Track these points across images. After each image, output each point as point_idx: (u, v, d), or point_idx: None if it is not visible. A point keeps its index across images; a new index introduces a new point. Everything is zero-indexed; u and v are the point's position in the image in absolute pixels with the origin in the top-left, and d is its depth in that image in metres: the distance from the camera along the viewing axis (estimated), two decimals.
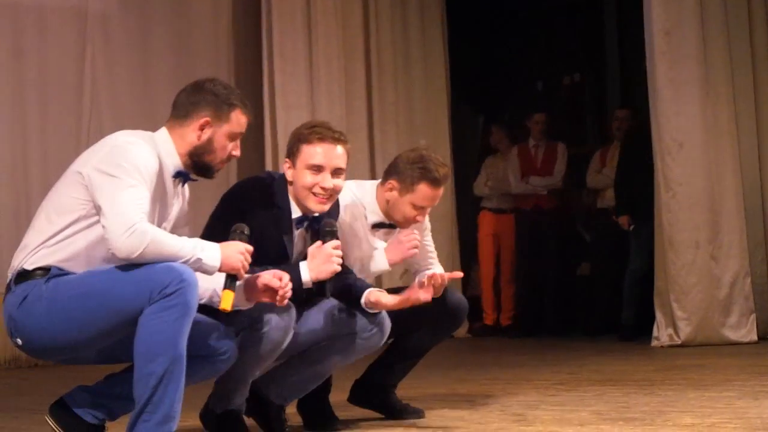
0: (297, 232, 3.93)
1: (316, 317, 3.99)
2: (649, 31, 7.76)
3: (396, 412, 4.46)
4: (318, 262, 3.75)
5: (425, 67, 9.73)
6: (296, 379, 4.03)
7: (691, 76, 7.69)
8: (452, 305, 4.44)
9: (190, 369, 3.30)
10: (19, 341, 3.37)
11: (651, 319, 7.86)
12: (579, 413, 4.39)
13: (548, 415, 4.38)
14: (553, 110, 10.37)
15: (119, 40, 8.75)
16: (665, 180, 7.69)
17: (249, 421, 3.99)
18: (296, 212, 3.91)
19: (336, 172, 3.86)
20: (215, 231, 3.66)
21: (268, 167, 8.32)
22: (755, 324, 7.67)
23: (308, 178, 3.85)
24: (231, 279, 3.39)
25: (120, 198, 3.23)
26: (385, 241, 4.40)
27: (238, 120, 3.56)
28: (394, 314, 4.14)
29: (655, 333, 7.73)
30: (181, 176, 3.53)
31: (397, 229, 4.42)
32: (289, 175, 3.90)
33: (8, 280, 3.40)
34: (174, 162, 3.50)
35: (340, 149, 3.88)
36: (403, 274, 4.55)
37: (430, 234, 4.61)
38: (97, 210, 3.29)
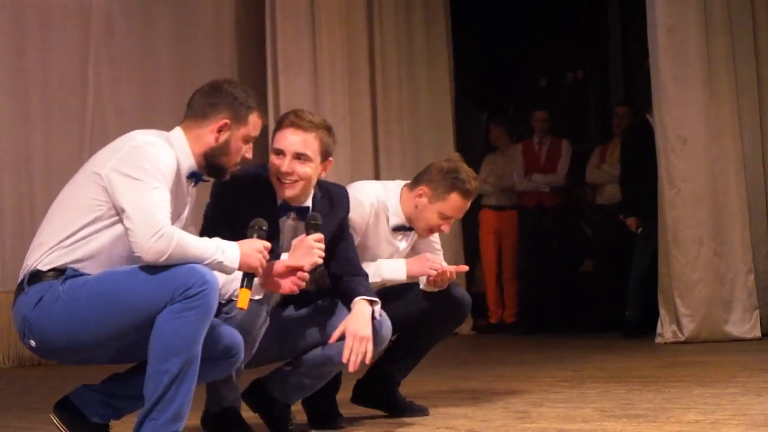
0: (286, 223, 3.91)
1: (316, 319, 3.98)
2: (652, 27, 7.76)
3: (400, 409, 4.47)
4: (299, 254, 3.72)
5: (429, 66, 9.73)
6: (300, 379, 4.02)
7: (694, 72, 7.68)
8: (456, 301, 4.45)
9: (202, 369, 3.31)
10: (33, 343, 3.35)
11: (655, 315, 7.86)
12: (583, 410, 4.39)
13: (552, 412, 4.38)
14: (557, 107, 10.37)
15: (122, 38, 8.76)
16: (669, 177, 7.69)
17: (254, 418, 3.99)
18: (280, 201, 3.91)
19: (298, 157, 3.83)
20: (209, 225, 3.71)
21: None
22: (759, 320, 7.67)
23: (273, 162, 3.85)
24: (248, 277, 3.40)
25: (144, 201, 3.23)
26: (404, 241, 4.42)
27: (255, 123, 3.56)
28: (398, 311, 4.14)
29: (658, 330, 7.73)
30: (194, 177, 3.53)
31: (413, 233, 4.44)
32: (269, 161, 3.91)
33: (21, 280, 3.38)
34: (189, 163, 3.49)
35: (302, 135, 3.82)
36: None
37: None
38: (120, 212, 3.28)
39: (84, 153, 8.36)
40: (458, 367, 6.45)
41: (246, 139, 3.54)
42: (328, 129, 3.93)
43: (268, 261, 3.47)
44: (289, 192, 3.86)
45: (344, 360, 3.78)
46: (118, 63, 8.73)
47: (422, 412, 4.46)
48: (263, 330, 3.71)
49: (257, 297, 3.61)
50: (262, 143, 4.36)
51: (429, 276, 4.34)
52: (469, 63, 10.67)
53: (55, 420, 3.49)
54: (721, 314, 7.63)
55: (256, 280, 3.47)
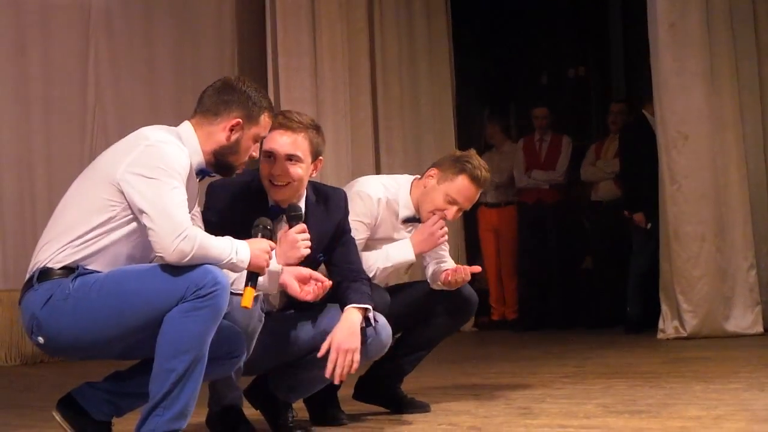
0: (279, 225, 3.90)
1: (317, 322, 3.97)
2: (653, 23, 7.75)
3: (402, 406, 4.47)
4: (284, 248, 3.72)
5: (430, 62, 9.72)
6: (301, 379, 4.02)
7: (696, 68, 7.68)
8: (462, 299, 4.45)
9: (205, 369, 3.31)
10: (41, 340, 3.35)
11: (656, 311, 7.86)
12: (585, 406, 4.39)
13: (554, 409, 4.38)
14: (558, 103, 10.37)
15: (122, 35, 8.76)
16: (670, 172, 7.69)
17: (256, 415, 3.99)
18: (271, 202, 3.90)
19: (288, 159, 3.81)
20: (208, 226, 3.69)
21: None
22: (761, 316, 7.66)
23: (263, 165, 3.84)
24: (254, 276, 3.40)
25: (165, 202, 3.23)
26: (410, 233, 4.43)
27: (266, 123, 3.56)
28: (404, 307, 4.13)
29: (660, 325, 7.74)
30: (201, 173, 3.53)
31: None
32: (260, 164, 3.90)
33: (29, 277, 3.38)
34: (198, 160, 3.48)
35: (291, 137, 3.82)
36: (409, 268, 4.54)
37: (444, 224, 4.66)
38: (138, 213, 3.27)
39: (85, 150, 8.38)
40: (460, 364, 6.45)
41: (256, 139, 3.54)
42: (317, 128, 3.92)
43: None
44: (282, 194, 3.85)
45: (327, 375, 3.75)
46: (119, 60, 8.73)
47: (424, 408, 4.46)
48: (259, 328, 3.70)
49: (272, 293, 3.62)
50: None
51: (440, 241, 4.31)
52: (470, 59, 10.66)
53: (58, 417, 3.49)
54: (723, 310, 7.62)
55: (262, 279, 3.48)
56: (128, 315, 3.24)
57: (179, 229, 3.20)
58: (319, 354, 3.76)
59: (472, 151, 4.51)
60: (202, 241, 3.23)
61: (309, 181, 3.95)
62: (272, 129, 3.77)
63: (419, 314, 4.40)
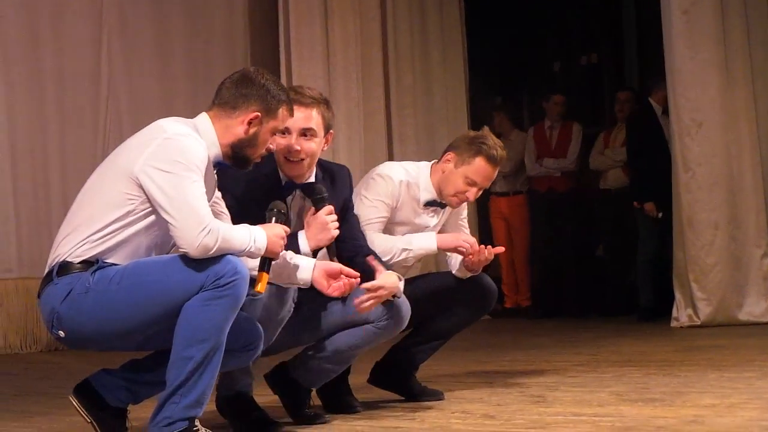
0: (291, 201, 3.92)
1: (333, 304, 3.98)
2: (667, 10, 7.72)
3: (415, 393, 4.48)
4: (314, 231, 3.78)
5: (443, 50, 9.71)
6: (321, 364, 4.03)
7: (710, 55, 7.65)
8: (482, 290, 4.47)
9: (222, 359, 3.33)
10: (62, 333, 3.36)
11: (670, 300, 7.85)
12: (598, 394, 4.39)
13: (568, 397, 4.38)
14: (570, 91, 10.35)
15: (135, 26, 8.77)
16: (684, 160, 7.67)
17: (268, 401, 4.00)
18: (283, 179, 3.92)
19: (303, 133, 3.84)
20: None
21: None
22: None
23: (279, 141, 3.82)
24: (268, 262, 3.42)
25: (186, 197, 3.24)
26: (435, 217, 4.47)
27: (284, 116, 3.56)
28: (424, 294, 4.15)
29: (674, 314, 7.73)
30: (218, 165, 3.53)
31: (446, 209, 4.47)
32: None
33: (48, 270, 3.39)
34: (215, 152, 3.48)
35: (304, 111, 3.83)
36: (421, 258, 4.56)
37: (465, 214, 4.70)
38: (158, 207, 3.28)
39: (98, 142, 8.40)
40: (473, 352, 6.45)
41: (273, 132, 3.55)
42: (327, 102, 3.95)
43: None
44: (297, 169, 3.88)
45: (354, 304, 3.81)
46: (131, 52, 8.74)
47: (437, 396, 4.47)
48: (287, 317, 3.72)
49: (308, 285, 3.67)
50: None
51: (463, 252, 4.34)
52: (482, 48, 10.64)
53: (75, 403, 3.51)
54: (737, 298, 7.61)
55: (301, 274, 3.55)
56: (149, 306, 3.26)
57: (203, 224, 3.21)
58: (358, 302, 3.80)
59: (486, 130, 4.60)
60: (224, 234, 3.24)
61: None
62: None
63: (438, 304, 4.41)
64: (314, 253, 3.82)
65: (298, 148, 3.84)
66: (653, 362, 5.56)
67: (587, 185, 9.69)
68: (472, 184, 4.39)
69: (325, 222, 3.78)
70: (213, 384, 3.29)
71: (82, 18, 8.51)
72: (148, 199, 3.30)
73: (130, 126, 7.70)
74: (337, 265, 3.74)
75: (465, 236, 4.45)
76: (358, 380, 4.46)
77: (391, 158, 8.97)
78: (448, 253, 4.55)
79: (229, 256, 3.25)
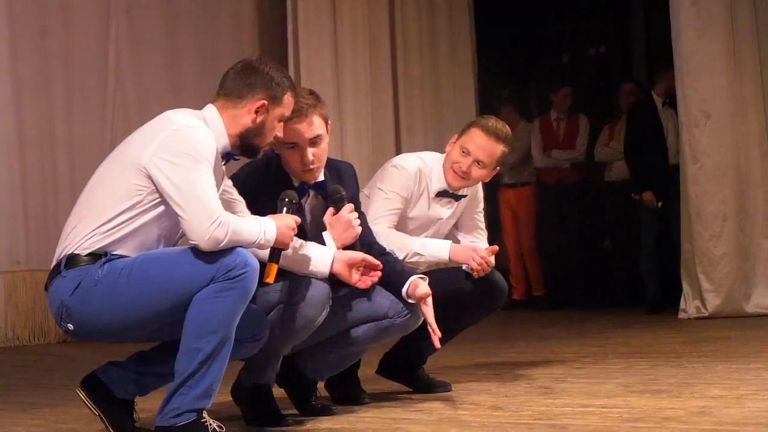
0: (305, 202, 3.92)
1: (351, 299, 3.98)
2: (675, 1, 7.70)
3: (423, 385, 4.48)
4: (339, 230, 3.81)
5: (451, 41, 9.69)
6: (332, 357, 4.04)
7: (718, 46, 7.64)
8: (492, 286, 4.46)
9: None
10: (71, 327, 3.37)
11: (678, 291, 7.84)
12: (606, 386, 4.39)
13: (575, 388, 4.38)
14: (578, 82, 10.34)
15: (143, 16, 8.76)
16: (692, 151, 7.66)
17: (277, 393, 4.00)
18: (297, 182, 3.91)
19: (313, 142, 3.82)
20: None
21: None
22: None
23: (289, 154, 3.83)
24: (278, 253, 3.43)
25: (196, 189, 3.24)
26: (447, 209, 4.47)
27: (289, 103, 3.57)
28: (434, 292, 4.15)
29: (682, 305, 7.72)
30: (227, 156, 3.53)
31: (460, 201, 4.47)
32: (280, 150, 3.90)
33: (56, 263, 3.39)
34: (223, 143, 3.48)
35: (305, 124, 3.79)
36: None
37: (482, 207, 4.70)
38: (168, 199, 3.28)
39: (106, 132, 8.40)
40: (481, 343, 6.45)
41: (281, 119, 3.55)
42: (318, 98, 3.90)
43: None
44: (314, 175, 3.89)
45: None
46: (139, 41, 8.73)
47: (445, 388, 4.48)
48: (322, 320, 3.74)
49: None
50: None
51: (471, 267, 4.35)
52: (490, 39, 10.62)
53: (82, 395, 3.52)
54: (745, 290, 7.60)
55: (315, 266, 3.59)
56: (158, 299, 3.26)
57: (213, 216, 3.22)
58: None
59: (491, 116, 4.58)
60: (234, 226, 3.25)
61: None
62: (287, 121, 3.75)
63: (449, 300, 4.39)
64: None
65: (312, 158, 3.83)
66: (661, 354, 5.55)
67: (594, 177, 9.68)
68: (467, 153, 4.38)
69: (349, 220, 3.81)
70: (222, 375, 3.29)
71: (90, 8, 8.50)
72: (157, 190, 3.31)
73: (138, 117, 7.70)
74: (359, 254, 3.76)
75: (479, 252, 4.39)
76: (367, 372, 4.47)
77: (398, 150, 8.96)
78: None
79: (239, 248, 3.25)
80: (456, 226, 4.66)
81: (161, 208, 3.33)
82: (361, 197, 4.28)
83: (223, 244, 3.22)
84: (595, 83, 11.07)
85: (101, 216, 3.35)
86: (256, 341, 3.51)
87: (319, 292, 3.68)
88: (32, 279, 7.85)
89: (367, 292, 3.93)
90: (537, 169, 9.71)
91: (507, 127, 4.50)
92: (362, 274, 3.78)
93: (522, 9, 10.99)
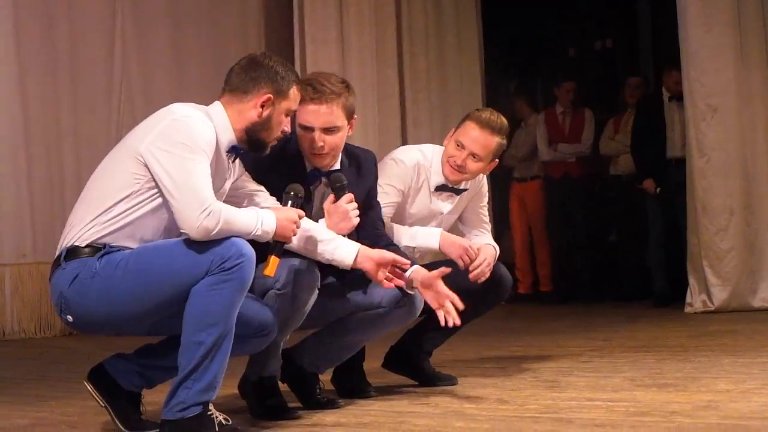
0: (317, 190, 3.92)
1: (345, 288, 3.98)
2: None
3: (429, 378, 4.48)
4: (335, 220, 3.78)
5: (458, 34, 9.68)
6: (329, 349, 4.04)
7: (725, 40, 7.62)
8: (497, 280, 4.44)
9: (235, 346, 3.33)
10: (70, 318, 3.38)
11: (684, 285, 7.84)
12: (612, 380, 4.39)
13: (581, 382, 4.38)
14: (584, 76, 10.33)
15: (148, 10, 8.76)
16: (699, 145, 7.65)
17: (284, 388, 4.01)
18: (308, 167, 3.91)
19: (327, 131, 3.83)
20: None
21: None
22: None
23: (303, 136, 3.85)
24: (279, 246, 3.42)
25: (188, 178, 3.24)
26: (448, 203, 4.46)
27: (295, 97, 3.57)
28: None
29: (688, 299, 7.72)
30: (234, 151, 3.52)
31: (462, 195, 4.45)
32: (297, 133, 3.90)
33: (57, 255, 3.40)
34: (229, 137, 3.48)
35: (327, 108, 3.82)
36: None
37: (486, 202, 4.67)
38: (162, 188, 3.28)
39: (112, 125, 8.41)
40: (486, 337, 6.45)
41: (287, 113, 3.54)
42: (348, 88, 3.92)
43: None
44: (323, 161, 3.88)
45: (442, 323, 3.86)
46: (145, 35, 8.73)
47: (450, 381, 4.48)
48: (312, 302, 3.72)
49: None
50: None
51: (461, 264, 4.32)
52: (496, 32, 10.61)
53: (89, 388, 3.53)
54: (751, 284, 7.60)
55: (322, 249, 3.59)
56: (154, 291, 3.26)
57: (203, 205, 3.20)
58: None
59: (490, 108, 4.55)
60: (226, 216, 3.24)
61: None
62: (305, 101, 3.78)
63: (455, 291, 4.38)
64: None
65: (322, 144, 3.83)
66: (667, 347, 5.55)
67: (600, 171, 9.67)
68: (461, 146, 4.36)
69: (346, 211, 3.78)
70: (225, 367, 3.28)
71: (96, 1, 8.51)
72: (154, 179, 3.30)
73: (143, 111, 7.69)
74: (390, 255, 3.74)
75: (468, 251, 4.34)
76: (372, 365, 4.46)
77: (405, 142, 8.95)
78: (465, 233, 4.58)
79: (234, 238, 3.24)
80: (461, 220, 4.65)
81: (161, 199, 3.33)
82: None
83: (214, 233, 3.21)
84: (601, 77, 11.06)
85: (100, 206, 3.36)
86: (262, 336, 3.49)
87: (306, 275, 3.65)
88: (38, 272, 7.86)
89: (362, 283, 3.93)
90: (543, 162, 9.70)
91: (502, 118, 4.46)
92: (391, 274, 3.76)
93: (529, 2, 10.99)
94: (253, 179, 3.70)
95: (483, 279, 4.34)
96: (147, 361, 3.54)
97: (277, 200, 3.64)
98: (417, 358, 4.50)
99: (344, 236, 3.79)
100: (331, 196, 3.83)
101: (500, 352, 5.72)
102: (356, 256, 3.70)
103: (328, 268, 3.82)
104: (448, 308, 3.85)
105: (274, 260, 3.42)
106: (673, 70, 8.27)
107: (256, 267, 3.32)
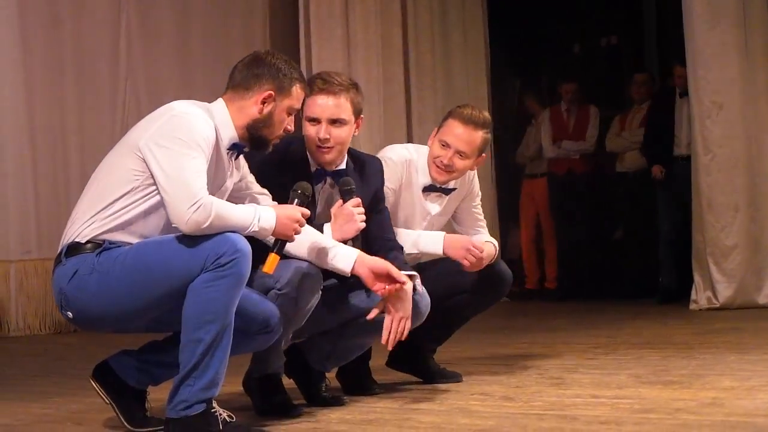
0: (321, 190, 3.92)
1: (353, 292, 3.97)
2: None
3: (433, 375, 4.48)
4: (341, 222, 3.77)
5: (464, 31, 9.68)
6: (336, 348, 4.03)
7: (730, 38, 7.62)
8: (497, 276, 4.43)
9: (240, 343, 3.34)
10: (70, 314, 3.38)
11: (689, 282, 7.83)
12: (617, 377, 4.39)
13: (586, 379, 4.38)
14: (590, 73, 10.32)
15: (154, 6, 8.77)
16: (704, 142, 7.65)
17: (289, 384, 4.01)
18: (313, 166, 3.90)
19: (333, 123, 3.83)
20: None
21: None
22: None
23: (309, 130, 3.85)
24: (280, 244, 3.42)
25: (180, 172, 3.23)
26: (437, 204, 4.43)
27: (298, 95, 3.55)
28: (439, 281, 4.13)
29: (693, 296, 7.71)
30: (235, 148, 3.52)
31: (448, 196, 4.43)
32: (303, 129, 3.90)
33: (59, 251, 3.41)
34: (230, 134, 3.48)
35: (334, 100, 3.83)
36: None
37: (479, 200, 4.64)
38: (156, 183, 3.28)
39: (117, 121, 8.42)
40: (491, 334, 6.45)
41: (289, 111, 3.53)
42: (356, 87, 3.93)
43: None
44: (328, 156, 3.86)
45: (383, 341, 3.76)
46: (150, 33, 8.74)
47: (455, 378, 4.47)
48: (314, 305, 3.72)
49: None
50: None
51: (466, 264, 4.30)
52: (502, 30, 10.61)
53: (94, 384, 3.54)
54: (756, 281, 7.60)
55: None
56: (151, 287, 3.26)
57: (193, 199, 3.19)
58: (370, 316, 3.75)
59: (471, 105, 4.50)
60: (218, 211, 3.22)
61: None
62: (314, 94, 3.80)
63: (455, 289, 4.38)
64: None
65: (328, 136, 3.82)
66: (672, 345, 5.55)
67: (604, 168, 9.66)
68: (446, 145, 4.31)
69: (352, 214, 3.77)
70: (226, 363, 3.28)
71: (101, 1, 8.51)
72: (152, 176, 3.31)
73: (149, 107, 7.64)
74: (385, 265, 3.69)
75: (472, 249, 4.29)
76: (378, 362, 4.46)
77: (410, 140, 8.95)
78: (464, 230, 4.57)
79: (229, 233, 3.22)
80: (456, 221, 4.62)
81: (159, 196, 3.33)
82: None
83: (204, 226, 3.19)
84: (606, 74, 11.05)
85: (101, 202, 3.36)
86: (267, 333, 3.48)
87: (309, 277, 3.64)
88: (43, 268, 7.87)
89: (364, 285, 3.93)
90: (548, 159, 9.71)
91: (484, 112, 4.41)
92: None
93: (534, 0, 10.97)
94: (258, 180, 3.70)
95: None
96: (152, 358, 3.54)
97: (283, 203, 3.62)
98: (421, 355, 4.50)
99: (350, 239, 3.77)
100: (340, 200, 3.82)
101: (505, 349, 5.72)
102: (354, 263, 3.68)
103: (338, 274, 3.82)
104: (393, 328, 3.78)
105: (273, 258, 3.40)
106: (677, 64, 8.26)
107: (260, 266, 3.32)
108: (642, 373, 4.44)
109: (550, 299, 9.50)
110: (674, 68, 8.40)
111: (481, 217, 4.64)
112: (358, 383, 4.30)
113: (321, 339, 4.05)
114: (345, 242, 3.79)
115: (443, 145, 4.32)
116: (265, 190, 3.67)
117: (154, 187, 3.32)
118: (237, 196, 3.58)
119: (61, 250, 3.40)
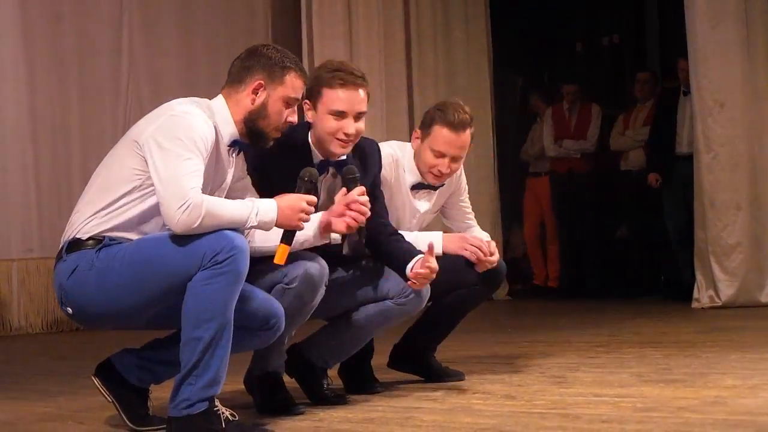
0: (324, 180, 3.89)
1: (352, 279, 3.98)
2: None
3: (436, 374, 4.47)
4: (337, 211, 3.72)
5: (466, 30, 9.69)
6: (337, 343, 4.03)
7: (732, 36, 7.62)
8: (491, 268, 4.42)
9: (242, 340, 3.34)
10: (70, 310, 3.39)
11: (691, 280, 7.83)
12: (619, 375, 4.39)
13: (588, 377, 4.38)
14: (593, 72, 10.32)
15: (156, 4, 8.77)
16: (706, 141, 7.65)
17: (291, 383, 4.01)
18: (317, 157, 3.87)
19: (358, 117, 3.82)
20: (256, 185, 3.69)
21: None
22: None
23: (332, 123, 3.79)
24: (289, 233, 3.40)
25: (174, 173, 3.22)
26: (425, 201, 4.41)
27: (293, 83, 3.52)
28: (441, 278, 4.13)
29: (695, 295, 7.71)
30: (236, 145, 3.51)
31: (437, 191, 4.42)
32: (309, 116, 3.86)
33: (60, 248, 3.41)
34: (230, 131, 3.47)
35: (362, 93, 3.82)
36: None
37: (467, 194, 4.61)
38: (153, 183, 3.28)
39: (119, 119, 8.42)
40: (494, 333, 6.45)
41: (286, 101, 3.50)
42: (366, 80, 3.91)
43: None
44: (346, 149, 3.84)
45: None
46: (152, 30, 8.74)
47: (458, 376, 4.47)
48: (319, 301, 3.71)
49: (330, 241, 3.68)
50: None
51: (468, 256, 4.30)
52: (504, 28, 10.61)
53: (97, 383, 3.54)
54: (759, 279, 7.59)
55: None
56: (149, 284, 3.26)
57: (183, 200, 3.17)
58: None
59: (449, 100, 4.44)
60: (210, 209, 3.20)
61: None
62: (340, 87, 3.76)
63: (451, 283, 4.37)
64: (342, 236, 3.79)
65: (353, 131, 3.80)
66: (674, 343, 5.54)
67: (606, 166, 9.66)
68: (440, 155, 4.26)
69: (355, 200, 3.76)
70: (227, 361, 3.27)
71: None
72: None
73: (151, 106, 7.62)
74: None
75: (471, 239, 4.33)
76: (380, 361, 4.46)
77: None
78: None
79: (226, 231, 3.21)
80: (444, 216, 4.61)
81: None
82: None
83: (195, 226, 3.18)
84: (609, 72, 11.05)
85: (102, 200, 3.36)
86: (269, 330, 3.46)
87: (315, 272, 3.63)
88: (45, 267, 7.87)
89: (369, 274, 3.93)
90: (549, 158, 9.72)
91: (465, 107, 4.34)
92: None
93: None
94: (260, 173, 3.68)
95: (494, 259, 4.31)
96: (154, 356, 3.54)
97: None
98: (423, 354, 4.50)
99: (344, 235, 3.74)
100: (344, 189, 3.79)
101: (507, 348, 5.72)
102: (317, 226, 3.62)
103: (337, 262, 3.82)
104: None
105: (283, 248, 3.38)
106: (681, 58, 8.25)
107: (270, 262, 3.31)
108: (644, 372, 4.43)
109: (553, 298, 9.50)
110: (678, 62, 8.38)
111: (470, 210, 4.62)
112: (361, 381, 4.29)
113: (321, 334, 4.05)
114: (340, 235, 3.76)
115: (437, 155, 4.27)
116: (256, 194, 3.62)
117: (154, 187, 3.32)
118: (235, 197, 3.56)
119: (62, 246, 3.41)
